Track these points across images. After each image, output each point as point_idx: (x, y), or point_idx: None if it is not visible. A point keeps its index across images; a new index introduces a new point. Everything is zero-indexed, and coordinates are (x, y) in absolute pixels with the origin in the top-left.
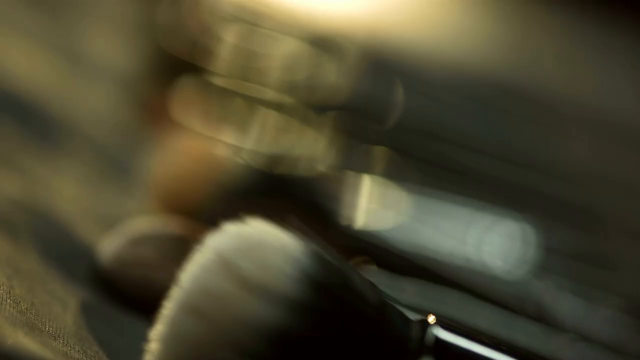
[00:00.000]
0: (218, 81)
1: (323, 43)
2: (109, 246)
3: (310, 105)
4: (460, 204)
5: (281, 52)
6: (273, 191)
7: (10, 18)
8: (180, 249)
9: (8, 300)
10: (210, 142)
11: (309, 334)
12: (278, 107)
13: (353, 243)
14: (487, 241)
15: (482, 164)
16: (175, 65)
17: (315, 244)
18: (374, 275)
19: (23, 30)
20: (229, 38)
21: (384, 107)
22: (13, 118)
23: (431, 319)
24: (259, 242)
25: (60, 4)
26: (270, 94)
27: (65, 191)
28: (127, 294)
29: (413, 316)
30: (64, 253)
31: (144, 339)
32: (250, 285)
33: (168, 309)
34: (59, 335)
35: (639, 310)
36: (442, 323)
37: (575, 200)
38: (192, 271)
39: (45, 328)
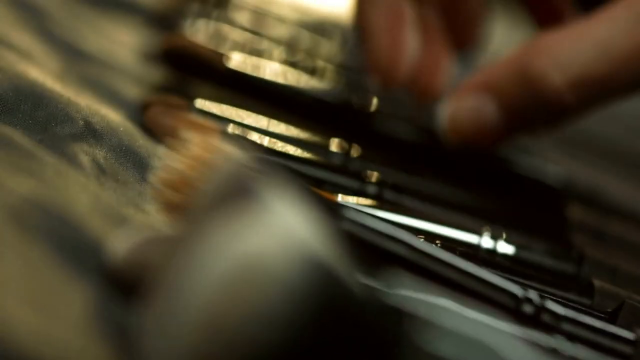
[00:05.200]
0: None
1: (320, 28)
2: (121, 246)
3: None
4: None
5: (279, 36)
6: None
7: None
8: None
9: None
10: (218, 139)
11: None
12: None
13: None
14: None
15: None
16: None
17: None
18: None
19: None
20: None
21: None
22: (23, 114)
23: None
24: (263, 258)
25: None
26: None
27: (76, 189)
28: (138, 294)
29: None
30: (76, 251)
31: None
32: (251, 309)
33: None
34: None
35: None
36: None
37: None
38: (194, 289)
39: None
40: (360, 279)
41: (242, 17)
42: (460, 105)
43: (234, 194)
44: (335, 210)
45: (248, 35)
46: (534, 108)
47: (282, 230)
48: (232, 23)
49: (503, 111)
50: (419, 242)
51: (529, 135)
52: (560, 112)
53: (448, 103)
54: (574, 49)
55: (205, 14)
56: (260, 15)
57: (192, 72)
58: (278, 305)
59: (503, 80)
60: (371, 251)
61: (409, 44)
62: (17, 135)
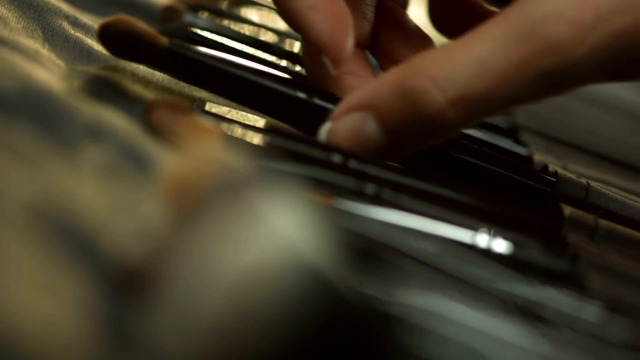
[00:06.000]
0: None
1: None
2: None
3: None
4: None
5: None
6: None
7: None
8: None
9: None
10: (221, 142)
11: None
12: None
13: None
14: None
15: None
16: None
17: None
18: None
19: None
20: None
21: None
22: (30, 117)
23: None
24: (261, 271)
25: None
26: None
27: (80, 189)
28: (139, 295)
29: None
30: (83, 254)
31: None
32: (250, 319)
33: None
34: None
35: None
36: None
37: None
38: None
39: None
40: (356, 287)
41: (248, 12)
42: (341, 123)
43: (233, 202)
44: (332, 217)
45: (253, 29)
46: (416, 126)
47: (279, 241)
48: (237, 18)
49: (385, 129)
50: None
51: (415, 151)
52: (443, 129)
53: (328, 122)
54: (454, 68)
55: (212, 9)
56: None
57: (130, 55)
58: (275, 315)
59: (384, 98)
60: (368, 257)
61: (349, 13)
62: (21, 136)
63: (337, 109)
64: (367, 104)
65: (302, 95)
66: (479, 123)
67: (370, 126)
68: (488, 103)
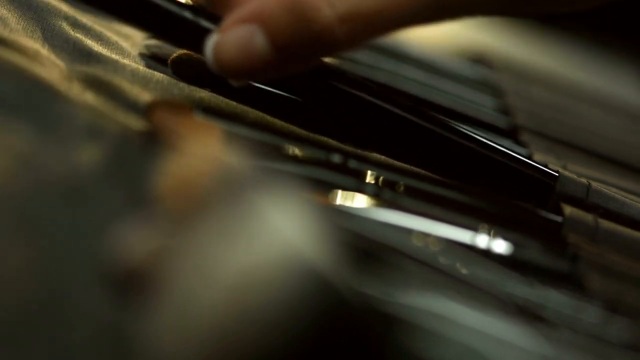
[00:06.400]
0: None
1: None
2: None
3: None
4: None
5: None
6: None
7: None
8: None
9: None
10: (221, 142)
11: None
12: None
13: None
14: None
15: None
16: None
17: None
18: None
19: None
20: None
21: None
22: (30, 117)
23: None
24: (261, 271)
25: None
26: None
27: (82, 190)
28: (137, 295)
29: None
30: (83, 254)
31: None
32: (250, 319)
33: None
34: None
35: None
36: None
37: None
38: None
39: None
40: (356, 287)
41: None
42: (228, 35)
43: (233, 201)
44: (332, 217)
45: None
46: (304, 41)
47: (279, 241)
48: None
49: (273, 44)
50: None
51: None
52: (331, 46)
53: (215, 33)
54: None
55: None
56: None
57: None
58: (275, 315)
59: (273, 12)
60: (368, 257)
61: None
62: (21, 136)
63: (225, 21)
64: (256, 16)
65: (188, 15)
66: (368, 43)
67: (258, 40)
68: (377, 22)
